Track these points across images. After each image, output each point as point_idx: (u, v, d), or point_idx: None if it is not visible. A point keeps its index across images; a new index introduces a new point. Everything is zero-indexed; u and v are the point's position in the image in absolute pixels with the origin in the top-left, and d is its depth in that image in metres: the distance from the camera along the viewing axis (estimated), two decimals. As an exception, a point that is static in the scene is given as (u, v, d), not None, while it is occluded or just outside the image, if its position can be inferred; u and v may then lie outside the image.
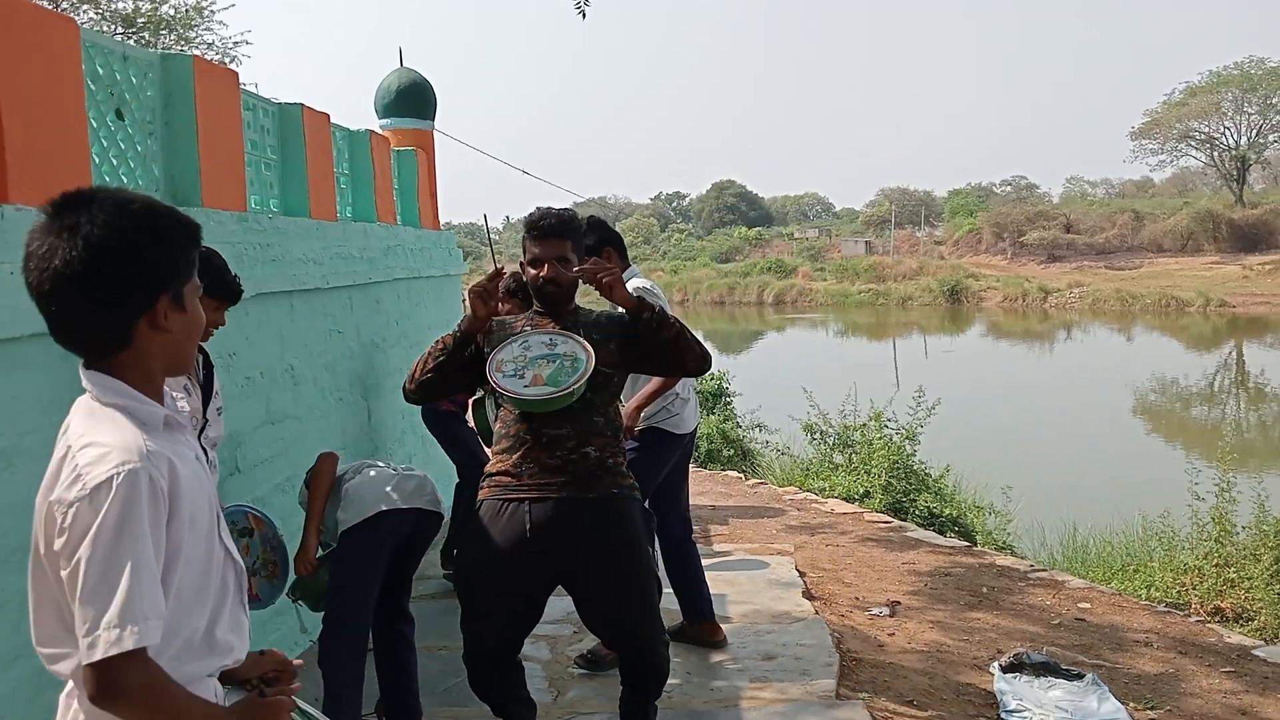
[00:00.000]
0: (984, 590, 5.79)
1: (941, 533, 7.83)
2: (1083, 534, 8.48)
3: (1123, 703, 4.08)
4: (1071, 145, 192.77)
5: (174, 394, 2.92)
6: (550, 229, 3.31)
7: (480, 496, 3.26)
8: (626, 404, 4.22)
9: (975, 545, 7.56)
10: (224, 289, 3.17)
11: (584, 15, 7.74)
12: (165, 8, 21.37)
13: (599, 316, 3.37)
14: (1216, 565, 6.60)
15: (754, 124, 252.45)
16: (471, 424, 5.33)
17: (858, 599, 5.49)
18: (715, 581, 5.52)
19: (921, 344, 36.15)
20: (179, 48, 20.31)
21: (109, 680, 1.44)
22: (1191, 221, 53.27)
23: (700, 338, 3.50)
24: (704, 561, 5.52)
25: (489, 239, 4.30)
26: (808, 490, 9.06)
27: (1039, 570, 6.47)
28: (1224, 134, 58.01)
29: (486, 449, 4.08)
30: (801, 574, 5.71)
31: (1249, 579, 6.35)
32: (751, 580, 5.56)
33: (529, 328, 3.29)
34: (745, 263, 65.40)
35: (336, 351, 5.26)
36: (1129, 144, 68.83)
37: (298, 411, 4.69)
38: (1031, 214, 61.52)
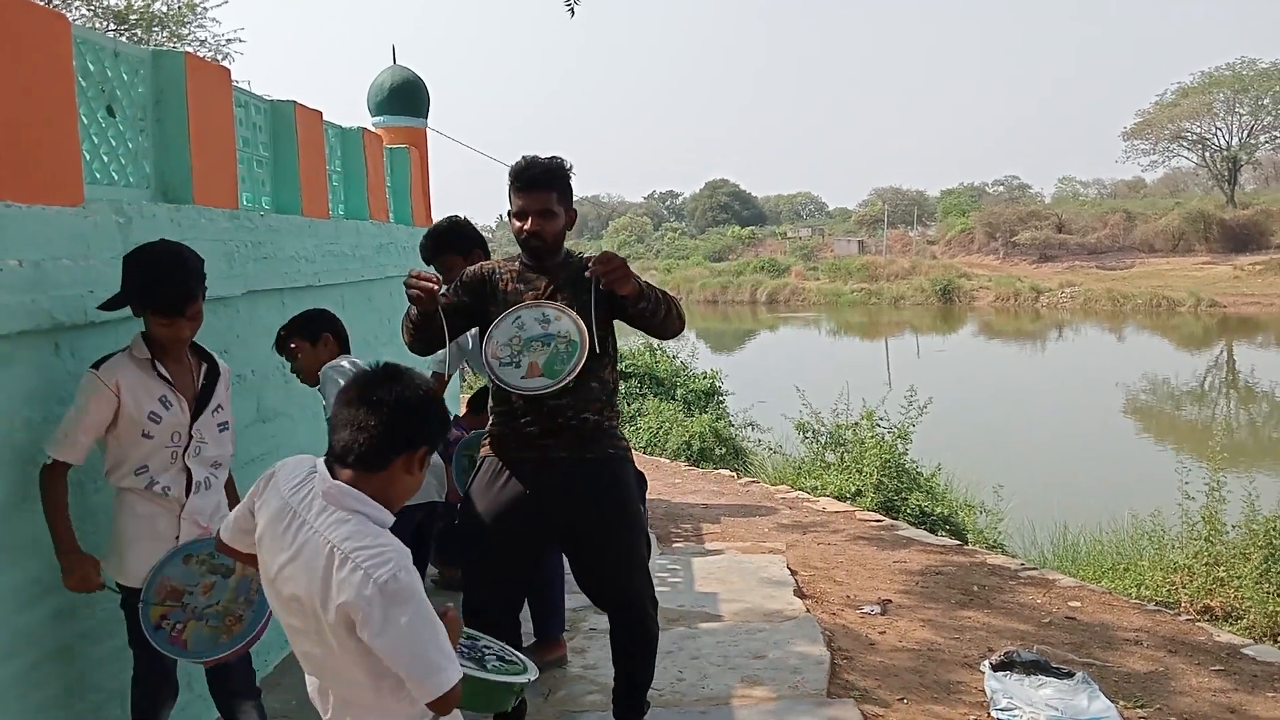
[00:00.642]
0: (975, 589, 5.80)
1: (933, 531, 7.85)
2: (1073, 533, 8.50)
3: (1113, 701, 4.09)
4: (1064, 145, 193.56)
5: (145, 406, 2.86)
6: (534, 179, 3.23)
7: (480, 454, 3.35)
8: None
9: (966, 544, 7.58)
10: (158, 300, 2.85)
11: (573, 12, 7.73)
12: (158, 4, 21.29)
13: (586, 268, 3.25)
14: (1206, 564, 6.62)
15: (747, 123, 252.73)
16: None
17: (849, 597, 5.49)
18: (707, 580, 5.54)
19: (914, 343, 36.21)
20: (171, 45, 20.23)
21: (446, 700, 1.97)
22: (1183, 222, 53.45)
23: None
24: (696, 559, 5.52)
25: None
26: (800, 489, 9.08)
27: (1030, 569, 6.48)
28: (1215, 135, 58.30)
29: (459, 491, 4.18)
30: (793, 572, 5.72)
31: (1239, 578, 6.38)
32: (743, 578, 5.56)
33: (520, 285, 3.27)
34: (738, 262, 65.39)
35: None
36: (1121, 144, 69.46)
37: (289, 409, 4.68)
38: (1024, 214, 61.70)
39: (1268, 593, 6.20)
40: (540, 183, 3.23)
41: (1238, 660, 4.83)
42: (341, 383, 3.21)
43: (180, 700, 3.18)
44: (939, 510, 8.48)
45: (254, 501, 2.16)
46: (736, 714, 3.86)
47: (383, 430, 2.02)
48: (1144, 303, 43.69)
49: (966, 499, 9.40)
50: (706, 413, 12.35)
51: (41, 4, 3.04)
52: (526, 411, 3.21)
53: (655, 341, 13.98)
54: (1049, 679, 4.20)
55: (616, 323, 3.36)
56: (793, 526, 7.31)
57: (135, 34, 20.45)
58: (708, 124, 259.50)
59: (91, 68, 3.40)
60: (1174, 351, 31.73)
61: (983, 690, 4.19)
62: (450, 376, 4.28)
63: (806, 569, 5.97)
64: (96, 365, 2.86)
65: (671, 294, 3.39)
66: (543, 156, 3.28)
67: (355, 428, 2.03)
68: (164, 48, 5.75)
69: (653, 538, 3.62)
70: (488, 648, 2.56)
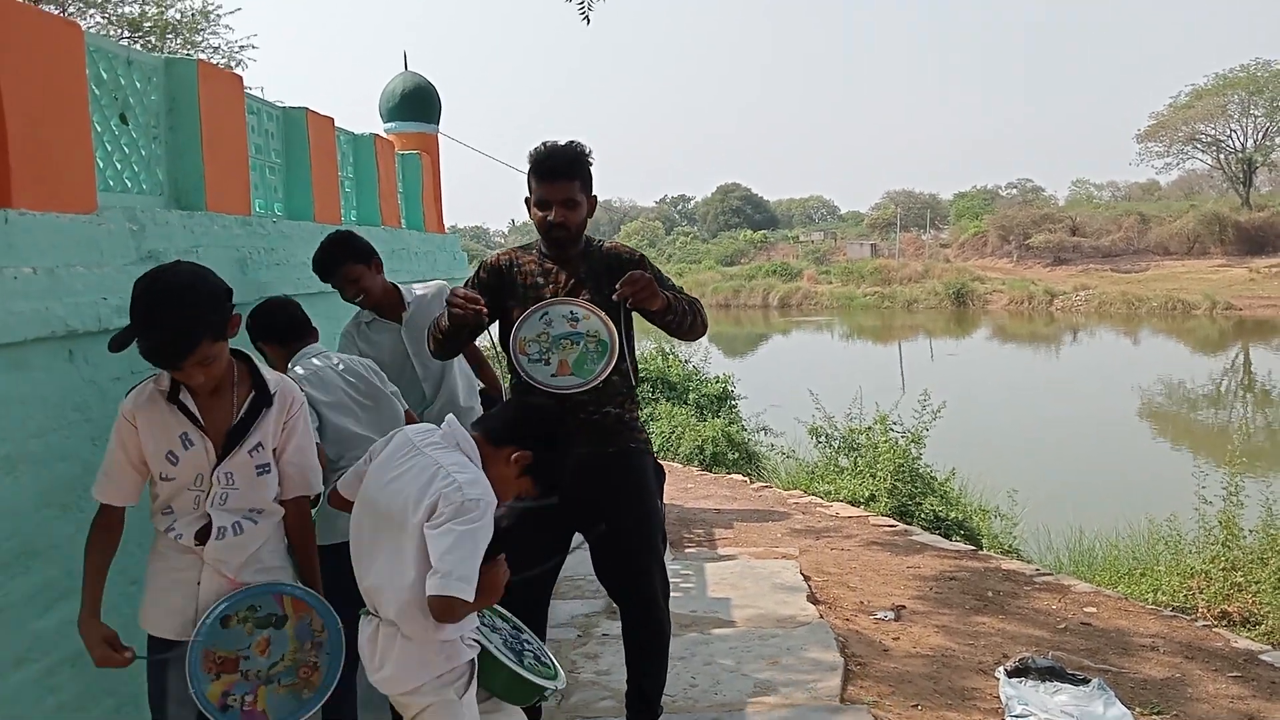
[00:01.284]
0: (989, 594, 5.77)
1: (947, 536, 7.82)
2: (1089, 538, 8.45)
3: (1129, 708, 4.06)
4: (1077, 148, 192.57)
5: (162, 444, 2.51)
6: (556, 169, 3.18)
7: None
8: None
9: (981, 549, 7.54)
10: (146, 351, 2.41)
11: (588, 21, 7.73)
12: (171, 12, 21.41)
13: (608, 261, 3.26)
14: (1224, 569, 6.57)
15: (759, 127, 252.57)
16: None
17: (863, 603, 5.47)
18: (720, 585, 5.53)
19: (927, 347, 36.09)
20: (185, 52, 20.34)
21: (448, 606, 2.28)
22: (1198, 224, 53.18)
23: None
24: (709, 565, 5.50)
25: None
26: (813, 494, 9.05)
27: (1045, 574, 6.45)
28: (1230, 136, 57.95)
29: None
30: (806, 578, 5.70)
31: (1256, 583, 6.32)
32: (756, 584, 5.54)
33: (539, 279, 3.25)
34: (750, 266, 65.35)
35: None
36: (1135, 147, 68.85)
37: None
38: (1037, 217, 61.47)
39: (1286, 598, 6.14)
40: (562, 172, 3.18)
41: (1255, 666, 4.79)
42: (308, 391, 3.13)
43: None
44: (953, 515, 8.44)
45: (374, 453, 2.59)
46: (749, 720, 3.84)
47: (516, 422, 2.60)
48: (1159, 306, 43.46)
49: (981, 504, 9.35)
50: (719, 417, 12.32)
51: (55, 12, 3.05)
52: None
53: (668, 346, 13.98)
54: (1064, 685, 4.17)
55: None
56: (806, 532, 7.29)
57: (149, 41, 20.57)
58: (719, 128, 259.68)
59: (105, 76, 3.42)
60: (1189, 355, 31.55)
61: (997, 697, 4.17)
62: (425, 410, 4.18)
63: (820, 574, 5.94)
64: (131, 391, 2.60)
65: (694, 296, 3.40)
66: (561, 142, 3.22)
67: (502, 410, 2.72)
68: (177, 55, 5.77)
69: (666, 532, 3.66)
70: (529, 643, 2.75)
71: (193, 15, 21.61)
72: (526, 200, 3.31)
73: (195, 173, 3.85)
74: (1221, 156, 59.15)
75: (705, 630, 4.81)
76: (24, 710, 2.73)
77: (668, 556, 3.94)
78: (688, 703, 4.00)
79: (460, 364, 4.27)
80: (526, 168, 3.27)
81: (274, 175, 4.87)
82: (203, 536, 2.57)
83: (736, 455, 11.50)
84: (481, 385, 4.49)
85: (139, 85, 3.63)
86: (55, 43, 2.97)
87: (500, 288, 3.30)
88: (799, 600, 5.25)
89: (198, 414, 2.55)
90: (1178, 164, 64.01)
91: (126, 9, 21.04)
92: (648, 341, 13.46)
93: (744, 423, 12.75)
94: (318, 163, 5.13)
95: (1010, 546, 8.58)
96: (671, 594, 3.56)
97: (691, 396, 13.08)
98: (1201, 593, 6.49)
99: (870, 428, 9.61)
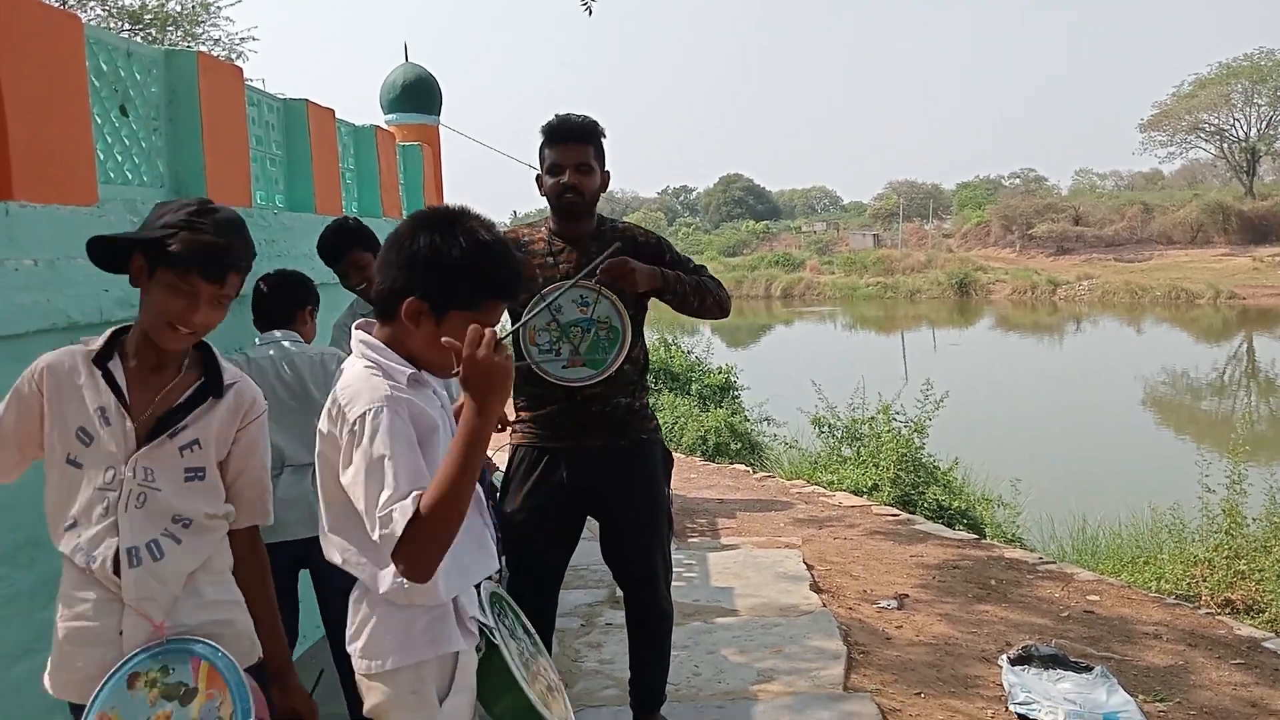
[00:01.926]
0: (993, 583, 5.77)
1: (950, 525, 7.82)
2: (1092, 526, 8.44)
3: (1132, 695, 4.06)
4: (1080, 137, 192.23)
5: (72, 418, 2.02)
6: (571, 132, 3.11)
7: (514, 441, 3.35)
8: None
9: (984, 538, 7.55)
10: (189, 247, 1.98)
11: (589, 11, 7.71)
12: (172, 4, 21.38)
13: (621, 242, 3.14)
14: (1227, 557, 6.56)
15: (761, 117, 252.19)
16: None
17: (866, 592, 5.47)
18: (723, 575, 5.53)
19: (930, 337, 36.07)
20: (185, 44, 20.32)
21: (403, 554, 1.76)
22: (1201, 213, 53.07)
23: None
24: (712, 554, 5.50)
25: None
26: (816, 483, 9.05)
27: (1048, 562, 6.45)
28: (1234, 126, 57.78)
29: None
30: (809, 567, 5.70)
31: (1260, 571, 6.32)
32: (759, 573, 5.55)
33: (549, 259, 3.18)
34: (753, 256, 65.32)
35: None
36: (1138, 136, 68.85)
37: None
38: (1040, 206, 61.36)
39: (1289, 586, 6.14)
40: (576, 136, 3.12)
41: (1259, 654, 4.79)
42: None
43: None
44: (956, 504, 8.44)
45: None
46: (753, 709, 3.85)
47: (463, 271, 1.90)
48: (1162, 295, 43.39)
49: (984, 493, 9.35)
50: (722, 407, 12.33)
51: (55, 5, 3.05)
52: (556, 399, 3.19)
53: (670, 337, 13.98)
54: (1068, 673, 4.17)
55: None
56: (809, 521, 7.29)
57: (150, 33, 20.55)
58: (721, 118, 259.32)
59: (105, 68, 3.41)
60: (1193, 344, 31.50)
61: (1001, 685, 4.17)
62: None
63: (823, 563, 5.95)
64: None
65: (714, 281, 3.32)
66: (576, 114, 3.17)
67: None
68: (177, 47, 5.79)
69: (672, 513, 3.68)
70: (548, 671, 2.32)
71: (193, 7, 21.58)
72: (539, 178, 3.22)
73: (196, 165, 3.85)
74: (1225, 146, 58.99)
75: (709, 619, 4.81)
76: (30, 698, 2.73)
77: (672, 546, 3.95)
78: (691, 691, 4.01)
79: None
80: (529, 157, 3.26)
81: (275, 167, 4.87)
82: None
83: (739, 445, 11.51)
84: None
85: (139, 77, 3.63)
86: (56, 35, 2.97)
87: None
88: (802, 589, 5.26)
89: (125, 388, 2.02)
90: (1181, 153, 63.91)
91: (126, 1, 21.03)
92: (649, 332, 13.46)
93: (747, 413, 12.75)
94: (319, 154, 5.13)
95: (1013, 535, 8.58)
96: (676, 583, 3.58)
97: (694, 387, 13.09)
98: (1205, 581, 6.49)
99: (873, 418, 9.61)
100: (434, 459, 1.86)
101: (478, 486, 1.89)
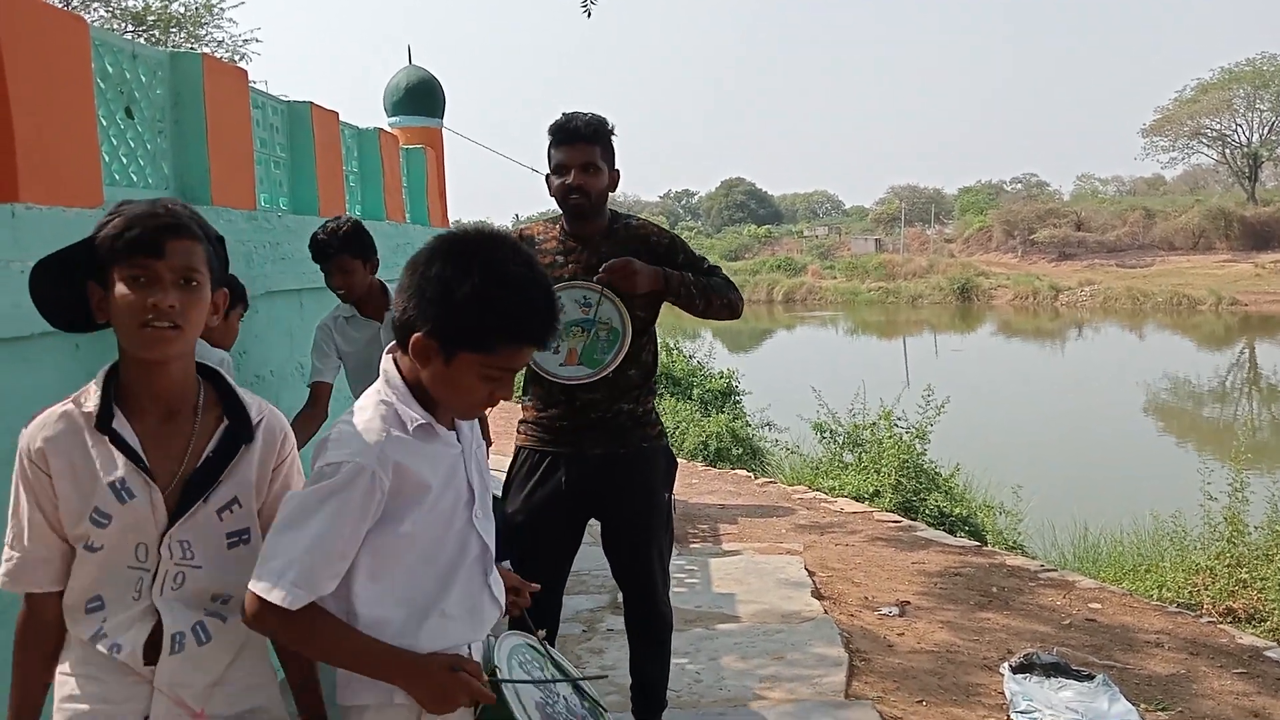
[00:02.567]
0: (994, 590, 5.77)
1: (952, 532, 7.81)
2: (1094, 534, 8.43)
3: (1134, 704, 4.05)
4: (1082, 143, 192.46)
5: (89, 496, 1.68)
6: (578, 132, 3.06)
7: (517, 443, 3.34)
8: None
9: (985, 545, 7.53)
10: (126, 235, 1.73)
11: (589, 14, 7.73)
12: (175, 5, 21.44)
13: (634, 241, 3.14)
14: (1229, 565, 6.56)
15: (763, 121, 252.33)
16: None
17: (867, 599, 5.47)
18: (724, 581, 5.53)
19: (931, 342, 36.06)
20: (189, 46, 20.36)
21: (253, 608, 1.65)
22: (1203, 219, 53.06)
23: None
24: (713, 560, 5.50)
25: None
26: (817, 489, 9.04)
27: (1049, 570, 6.44)
28: (1236, 131, 57.85)
29: None
30: (811, 573, 5.69)
31: (1262, 579, 6.31)
32: (760, 579, 5.54)
33: (559, 258, 3.16)
34: (754, 261, 65.27)
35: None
36: (1140, 141, 69.11)
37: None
38: (1042, 212, 61.35)
39: (1291, 595, 6.13)
40: (583, 135, 3.07)
41: (1261, 663, 4.78)
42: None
43: None
44: (958, 511, 8.43)
45: None
46: (754, 715, 3.84)
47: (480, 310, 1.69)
48: (1164, 301, 43.39)
49: (986, 499, 9.35)
50: (723, 413, 12.34)
51: (60, 6, 3.05)
52: (558, 402, 3.17)
53: (671, 342, 13.98)
54: (1069, 681, 4.17)
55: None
56: (810, 527, 7.28)
57: (153, 35, 20.59)
58: (723, 122, 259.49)
59: (110, 70, 3.42)
60: (1195, 350, 31.48)
61: (1002, 693, 4.17)
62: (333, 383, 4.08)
63: (824, 570, 5.94)
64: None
65: (725, 282, 3.30)
66: (584, 112, 3.13)
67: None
68: (182, 49, 5.79)
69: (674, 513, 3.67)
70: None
71: (196, 9, 21.64)
72: (547, 178, 3.19)
73: (200, 167, 3.85)
74: (1227, 151, 59.02)
75: (710, 625, 4.81)
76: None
77: (674, 551, 3.94)
78: (693, 698, 4.00)
79: None
80: (529, 160, 3.25)
81: (279, 169, 4.87)
82: (154, 649, 1.72)
83: (741, 451, 11.51)
84: None
85: (144, 79, 3.63)
86: (61, 36, 2.97)
87: None
88: (803, 596, 5.25)
89: (140, 450, 1.69)
90: (1183, 159, 63.96)
91: (131, 3, 21.08)
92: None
93: (748, 418, 12.75)
94: (322, 157, 5.13)
95: (1015, 542, 8.57)
96: (677, 589, 3.57)
97: (696, 392, 13.09)
98: (1206, 589, 6.48)
99: (875, 423, 9.61)
100: (414, 518, 1.71)
101: (491, 522, 1.87)
